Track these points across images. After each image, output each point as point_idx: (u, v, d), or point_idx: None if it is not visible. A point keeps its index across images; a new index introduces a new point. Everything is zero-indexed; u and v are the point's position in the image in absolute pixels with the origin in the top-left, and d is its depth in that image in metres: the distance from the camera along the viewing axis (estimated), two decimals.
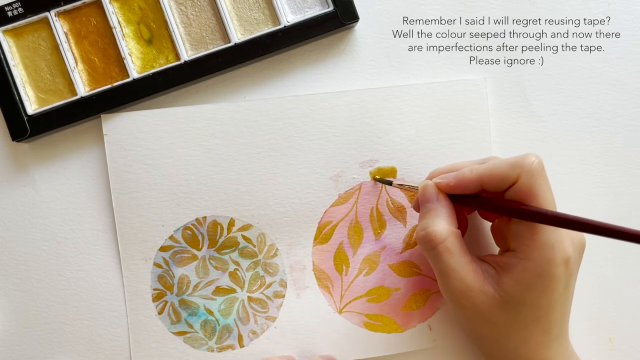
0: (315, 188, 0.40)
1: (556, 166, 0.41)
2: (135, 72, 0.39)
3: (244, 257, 0.40)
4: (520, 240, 0.33)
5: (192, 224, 0.39)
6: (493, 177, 0.33)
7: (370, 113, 0.40)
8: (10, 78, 0.38)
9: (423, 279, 0.40)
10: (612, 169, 0.42)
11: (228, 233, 0.39)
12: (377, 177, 0.39)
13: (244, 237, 0.39)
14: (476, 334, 0.35)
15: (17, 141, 0.38)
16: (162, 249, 0.39)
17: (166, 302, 0.39)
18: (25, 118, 0.38)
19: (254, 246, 0.40)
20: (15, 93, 0.38)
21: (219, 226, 0.39)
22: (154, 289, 0.39)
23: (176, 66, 0.39)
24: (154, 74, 0.39)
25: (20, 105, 0.38)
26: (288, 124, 0.39)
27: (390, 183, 0.38)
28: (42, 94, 0.39)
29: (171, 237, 0.39)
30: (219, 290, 0.39)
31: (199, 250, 0.39)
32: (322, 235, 0.40)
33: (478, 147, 0.40)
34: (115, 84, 0.39)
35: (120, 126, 0.39)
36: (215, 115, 0.39)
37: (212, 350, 0.39)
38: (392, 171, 0.40)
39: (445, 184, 0.35)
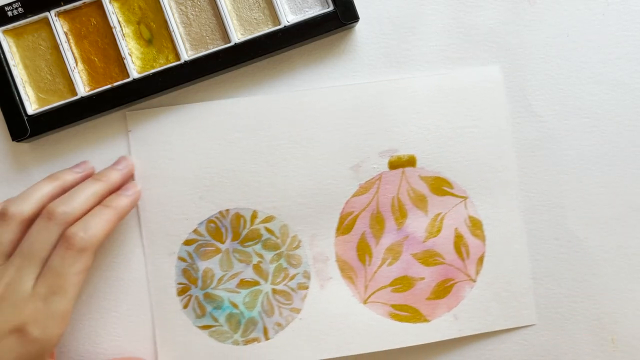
0: (336, 179, 0.40)
1: (556, 166, 0.41)
2: (135, 72, 0.39)
3: (267, 249, 0.40)
4: None
5: (215, 217, 0.40)
6: None
7: (388, 103, 0.40)
8: (10, 78, 0.38)
9: (447, 268, 0.40)
10: (612, 169, 0.41)
11: (251, 225, 0.40)
12: None
13: (266, 229, 0.40)
14: None
15: (17, 141, 0.38)
16: (186, 242, 0.39)
17: (191, 296, 0.39)
18: (25, 118, 0.38)
19: (277, 238, 0.40)
20: (15, 93, 0.38)
21: (241, 219, 0.40)
22: (179, 283, 0.39)
23: (176, 66, 0.39)
24: (154, 74, 0.39)
25: (20, 105, 0.38)
26: (307, 115, 0.40)
27: None
28: (42, 94, 0.39)
29: (195, 231, 0.39)
30: (243, 283, 0.40)
31: (223, 243, 0.40)
32: (344, 225, 0.40)
33: (496, 136, 0.41)
34: (115, 84, 0.38)
35: (144, 122, 0.40)
36: (236, 110, 0.40)
37: (238, 344, 0.39)
38: (412, 160, 0.40)
39: None
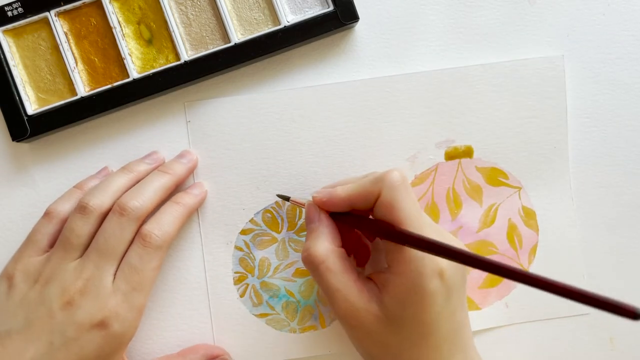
0: None
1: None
2: (135, 72, 0.38)
3: None
4: (391, 255, 0.32)
5: (271, 207, 0.40)
6: (360, 195, 0.33)
7: (446, 93, 0.40)
8: (10, 78, 0.38)
9: (500, 257, 0.41)
10: (612, 169, 0.41)
11: None
12: (277, 194, 0.39)
13: None
14: (371, 356, 0.34)
15: (17, 141, 0.38)
16: (243, 232, 0.40)
17: (247, 284, 0.40)
18: (25, 118, 0.38)
19: None
20: (15, 93, 0.38)
21: (297, 209, 0.40)
22: (235, 272, 0.40)
23: (176, 66, 0.38)
24: (154, 74, 0.38)
25: (20, 105, 0.38)
26: (364, 106, 0.39)
27: (287, 199, 0.38)
28: (42, 94, 0.39)
29: (252, 221, 0.40)
30: (298, 272, 0.40)
31: (279, 232, 0.40)
32: None
33: (555, 126, 0.40)
34: (115, 84, 0.38)
35: (202, 113, 0.39)
36: (293, 100, 0.39)
37: (295, 332, 0.40)
38: (469, 150, 0.40)
39: (319, 199, 0.34)
